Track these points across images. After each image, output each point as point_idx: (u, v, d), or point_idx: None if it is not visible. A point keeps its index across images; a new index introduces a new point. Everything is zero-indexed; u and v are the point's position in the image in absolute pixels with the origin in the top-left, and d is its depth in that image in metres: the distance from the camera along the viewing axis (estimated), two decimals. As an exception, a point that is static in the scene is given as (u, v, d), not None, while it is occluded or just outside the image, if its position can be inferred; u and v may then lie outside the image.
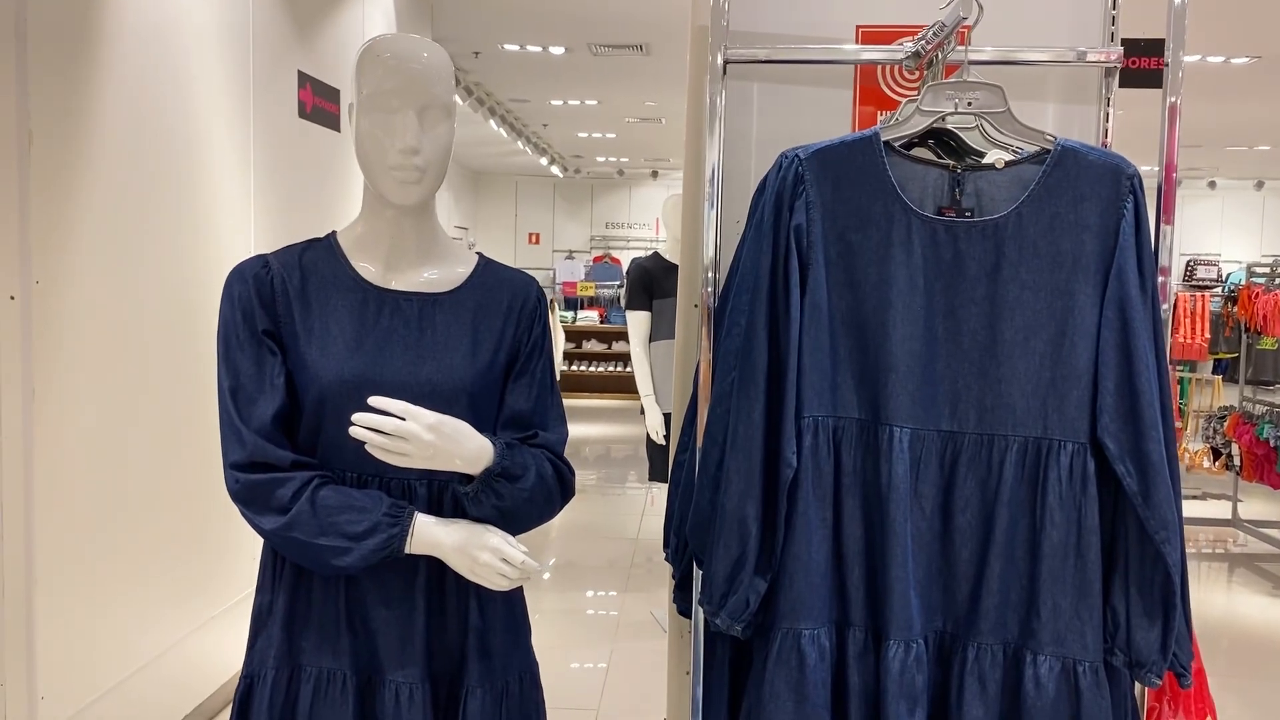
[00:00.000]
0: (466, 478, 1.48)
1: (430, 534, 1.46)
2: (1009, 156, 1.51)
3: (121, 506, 3.02)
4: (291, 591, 1.50)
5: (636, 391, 4.59)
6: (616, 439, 10.14)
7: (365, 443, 1.40)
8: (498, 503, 1.48)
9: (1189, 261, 12.54)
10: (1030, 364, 1.47)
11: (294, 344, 1.49)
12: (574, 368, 12.44)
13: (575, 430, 9.24)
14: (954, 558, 1.50)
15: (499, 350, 1.57)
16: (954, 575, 1.51)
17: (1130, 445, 1.42)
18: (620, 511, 7.27)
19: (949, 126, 1.58)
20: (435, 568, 1.52)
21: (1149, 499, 1.41)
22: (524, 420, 1.58)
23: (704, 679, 1.65)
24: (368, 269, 1.54)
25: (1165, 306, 1.56)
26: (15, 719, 2.64)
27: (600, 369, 12.55)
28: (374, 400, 1.41)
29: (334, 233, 1.58)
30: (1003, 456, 1.48)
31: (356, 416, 1.40)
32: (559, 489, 1.59)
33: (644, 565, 5.78)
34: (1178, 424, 7.10)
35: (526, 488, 1.51)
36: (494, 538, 1.48)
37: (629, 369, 4.53)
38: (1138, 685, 1.62)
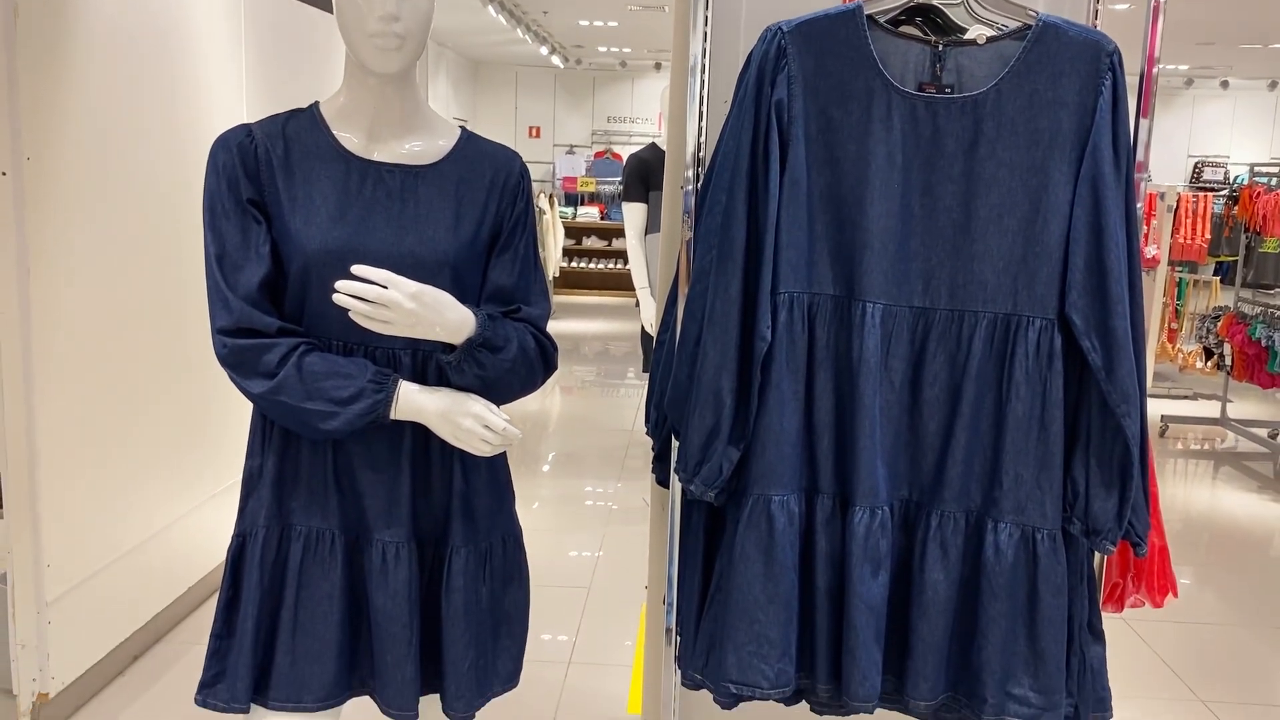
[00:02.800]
0: (449, 347, 1.52)
1: (414, 401, 1.51)
2: (991, 32, 1.51)
3: (121, 384, 3.07)
4: (280, 455, 1.55)
5: (635, 289, 4.61)
6: (615, 335, 10.20)
7: (349, 310, 1.43)
8: (480, 372, 1.52)
9: (1196, 163, 12.39)
10: (1003, 241, 1.49)
11: (278, 213, 1.51)
12: (573, 264, 12.42)
13: (574, 326, 9.41)
14: (921, 430, 1.55)
15: (482, 224, 1.59)
16: (920, 446, 1.56)
17: (1096, 321, 1.45)
18: (617, 405, 7.36)
19: (934, 2, 1.57)
20: (420, 434, 1.57)
21: (1112, 373, 1.44)
22: (507, 295, 1.61)
23: (680, 544, 1.71)
24: (350, 139, 1.55)
25: (1139, 205, 1.57)
26: (23, 586, 2.74)
27: (600, 266, 12.53)
28: (357, 268, 1.43)
29: (316, 103, 1.59)
30: (972, 332, 1.51)
31: (340, 284, 1.42)
32: (541, 362, 1.62)
33: (639, 456, 5.89)
34: (1173, 325, 7.13)
35: (508, 359, 1.55)
36: (476, 405, 1.53)
37: (629, 266, 4.53)
38: (1098, 557, 1.68)
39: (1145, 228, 7.12)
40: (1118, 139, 1.46)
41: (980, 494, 1.53)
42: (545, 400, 7.47)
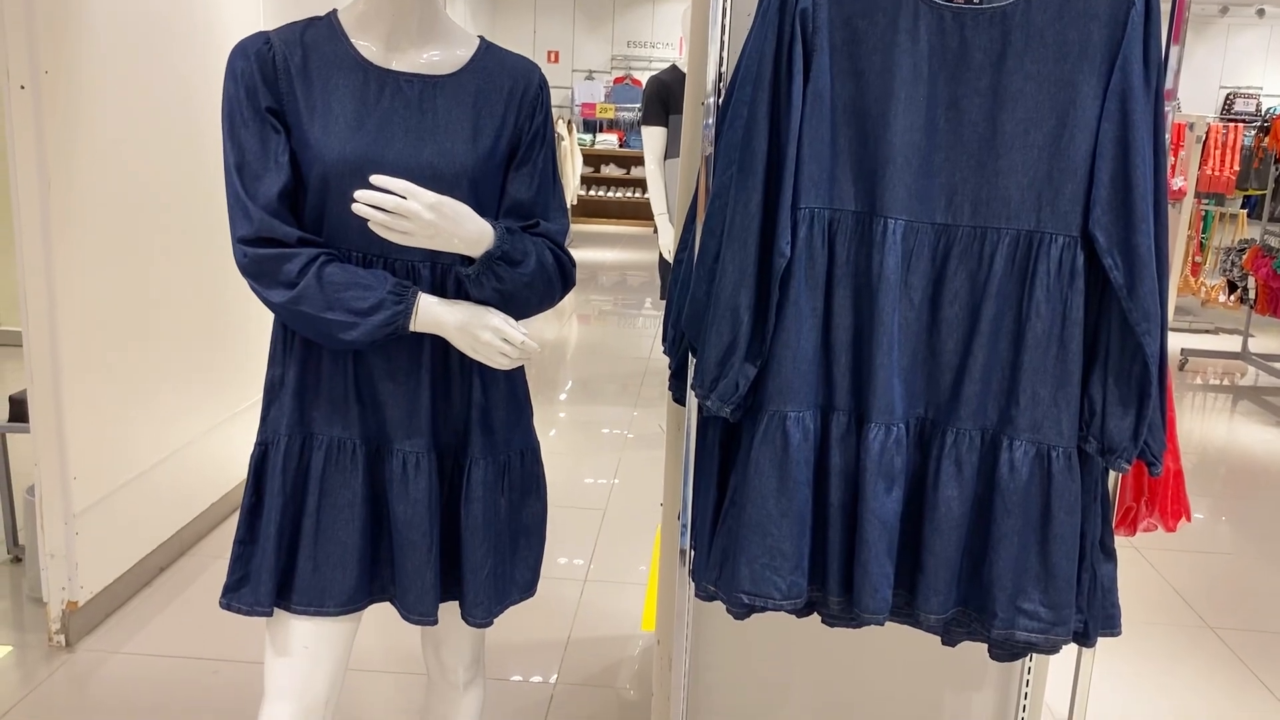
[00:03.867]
0: (468, 260, 1.52)
1: (433, 313, 1.51)
2: (1022, -60, 1.47)
3: (144, 301, 3.10)
4: (301, 364, 1.57)
5: (653, 216, 4.57)
6: (633, 265, 10.16)
7: (368, 221, 1.43)
8: (498, 285, 1.53)
9: (1228, 95, 12.11)
10: (1028, 157, 1.47)
11: (297, 122, 1.50)
12: (591, 193, 12.34)
13: (592, 255, 9.38)
14: (939, 348, 1.55)
15: (500, 137, 1.58)
16: (938, 364, 1.55)
17: (1120, 238, 1.43)
18: (634, 333, 7.36)
19: (965, -91, 1.53)
20: (440, 346, 1.58)
21: (1134, 291, 1.43)
22: (525, 209, 1.61)
23: (695, 461, 1.73)
24: (368, 48, 1.53)
25: (1166, 136, 1.53)
26: (50, 498, 2.79)
27: (618, 194, 12.44)
28: (376, 178, 1.43)
29: (334, 11, 1.57)
30: (994, 250, 1.50)
31: (359, 194, 1.42)
32: (559, 277, 1.62)
33: (655, 384, 5.91)
34: (1197, 258, 7.05)
35: (526, 273, 1.55)
36: (495, 318, 1.53)
37: (647, 194, 4.48)
38: (1112, 479, 1.69)
39: (1172, 159, 7.00)
40: (1148, 53, 1.43)
41: (996, 412, 1.53)
42: (562, 328, 7.49)
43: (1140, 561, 3.79)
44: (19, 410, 3.20)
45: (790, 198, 1.51)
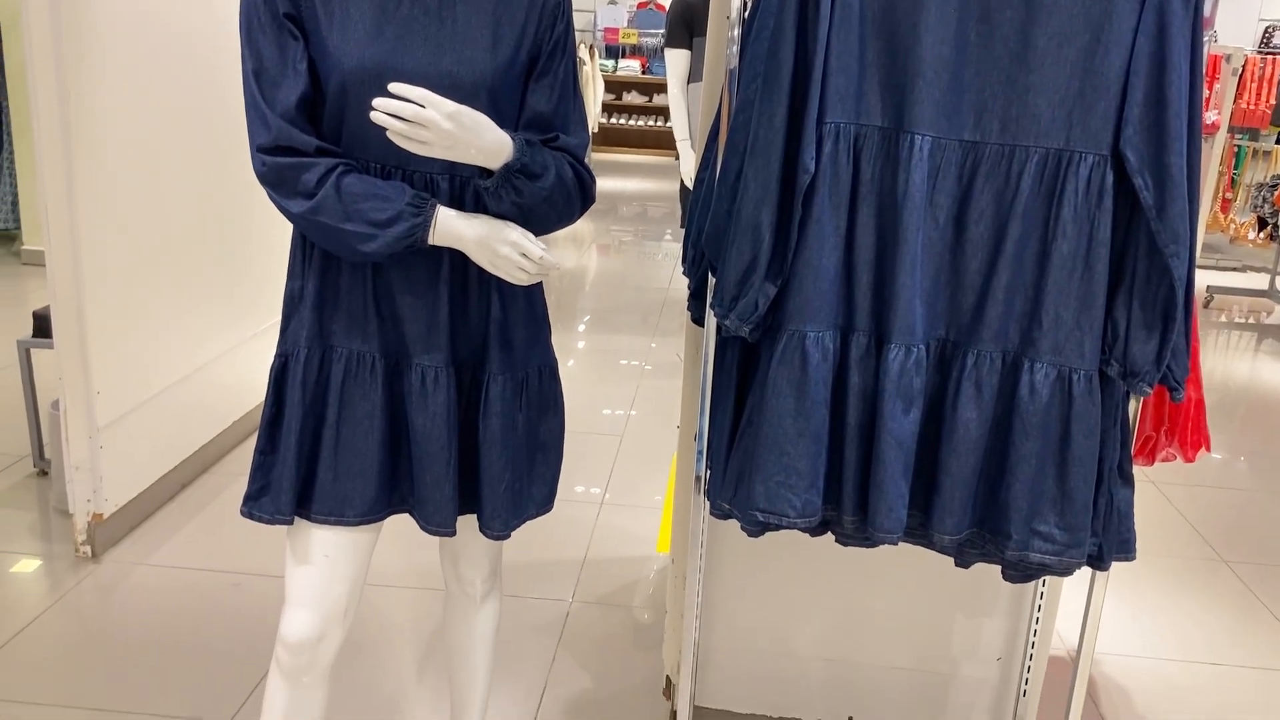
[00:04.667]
0: (486, 173, 1.51)
1: (452, 226, 1.50)
2: None
3: (164, 219, 3.10)
4: (321, 277, 1.57)
5: (675, 143, 4.49)
6: (654, 195, 10.08)
7: (386, 130, 1.42)
8: (517, 199, 1.51)
9: (1267, 28, 11.77)
10: (1060, 73, 1.44)
11: (315, 29, 1.48)
12: (613, 121, 12.19)
13: (612, 185, 9.28)
14: (963, 268, 1.53)
15: (520, 47, 1.55)
16: (961, 285, 1.54)
17: (1151, 157, 1.40)
18: (654, 264, 7.33)
19: None
20: (458, 261, 1.57)
21: (1163, 212, 1.41)
22: (545, 122, 1.58)
23: (713, 382, 1.73)
24: (388, -46, 1.50)
25: (1204, 57, 1.49)
26: (75, 411, 2.83)
27: (640, 123, 12.29)
28: (394, 87, 1.41)
29: (353, -84, 1.53)
30: (1022, 168, 1.47)
31: (377, 102, 1.40)
32: (579, 192, 1.60)
33: (674, 315, 5.90)
34: (1228, 195, 6.93)
35: (545, 186, 1.53)
36: (513, 233, 1.52)
37: (670, 123, 4.41)
38: (1133, 406, 1.67)
39: (1207, 91, 6.83)
40: (1190, -36, 1.39)
41: (1018, 334, 1.52)
42: (581, 258, 7.46)
43: (1156, 496, 3.79)
44: (43, 326, 3.22)
45: (816, 112, 1.48)
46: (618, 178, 10.86)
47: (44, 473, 3.43)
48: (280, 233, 3.49)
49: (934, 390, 1.57)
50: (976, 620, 2.13)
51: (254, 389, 3.74)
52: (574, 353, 5.13)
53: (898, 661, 2.18)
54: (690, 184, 4.50)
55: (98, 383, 2.83)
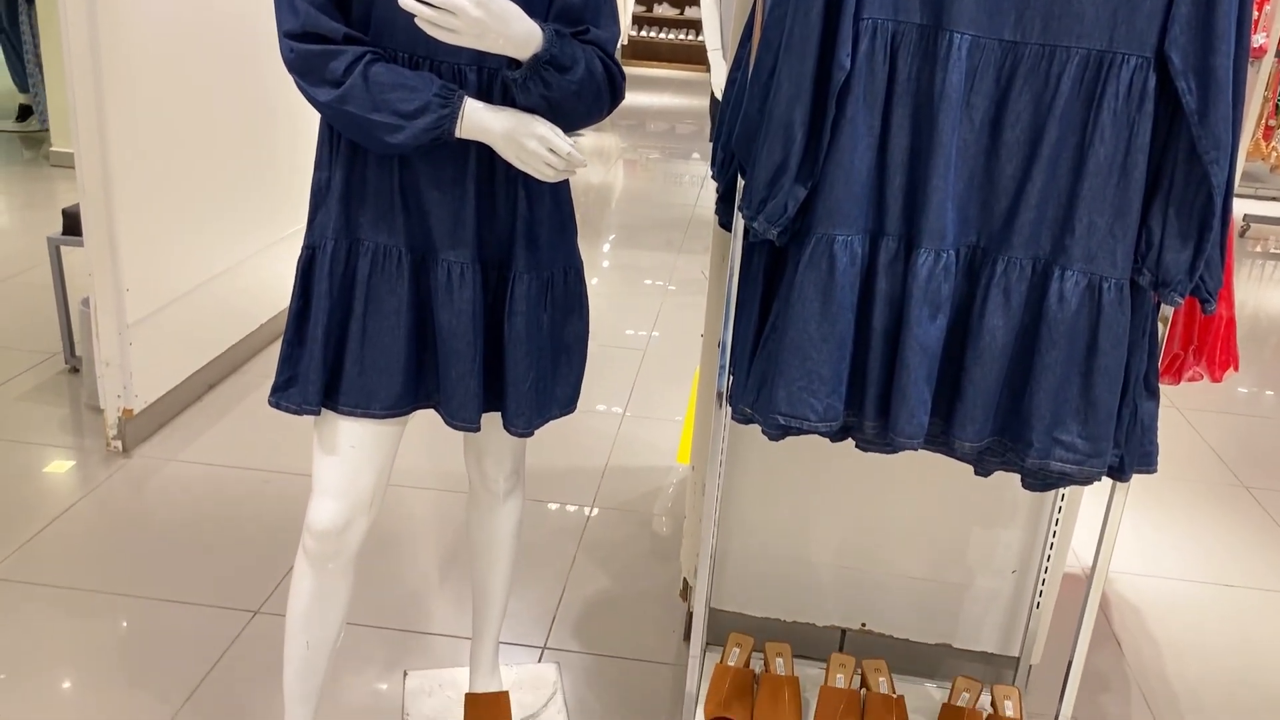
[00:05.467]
0: (515, 64, 1.49)
1: (479, 118, 1.49)
2: None
3: (192, 119, 3.08)
4: (348, 167, 1.56)
5: (707, 61, 4.40)
6: (683, 112, 9.94)
7: (415, 17, 1.40)
8: (545, 92, 1.50)
9: (1324, -51, 11.33)
10: (1107, -31, 1.39)
11: (344, -87, 1.45)
12: (642, 34, 11.96)
13: (641, 100, 9.11)
14: (997, 173, 1.50)
15: (551, -64, 1.52)
16: (994, 190, 1.51)
17: (1196, 60, 1.36)
18: (681, 182, 7.26)
19: None
20: (486, 156, 1.56)
21: (1205, 117, 1.37)
22: (574, 14, 1.56)
23: (739, 287, 1.72)
24: None
25: None
26: (104, 308, 2.86)
27: (671, 36, 12.06)
28: None
29: None
30: (1062, 70, 1.44)
31: None
32: (608, 88, 1.58)
33: (699, 235, 5.86)
34: (1270, 121, 6.75)
35: (575, 80, 1.51)
36: (541, 127, 1.51)
37: (701, 37, 4.31)
38: (1162, 316, 1.65)
39: (1256, 13, 6.61)
40: None
41: (1050, 241, 1.50)
42: (608, 174, 7.40)
43: (1181, 421, 3.77)
44: (72, 224, 3.24)
45: (854, 7, 1.44)
46: (647, 92, 10.70)
47: (75, 370, 3.48)
48: (308, 134, 3.46)
49: (961, 297, 1.56)
50: (993, 532, 2.15)
51: (281, 292, 3.76)
52: (599, 271, 5.12)
53: (912, 571, 2.20)
54: (721, 96, 4.43)
55: (127, 279, 2.85)
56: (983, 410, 1.56)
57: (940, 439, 1.64)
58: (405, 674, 2.20)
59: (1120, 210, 1.45)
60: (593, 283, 4.93)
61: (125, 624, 2.29)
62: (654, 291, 4.82)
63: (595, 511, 2.91)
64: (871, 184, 1.53)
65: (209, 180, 3.23)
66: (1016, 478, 2.02)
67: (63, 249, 3.38)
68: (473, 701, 2.02)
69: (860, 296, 1.56)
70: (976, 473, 1.69)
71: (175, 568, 2.50)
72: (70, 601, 2.35)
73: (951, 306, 1.55)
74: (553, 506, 2.92)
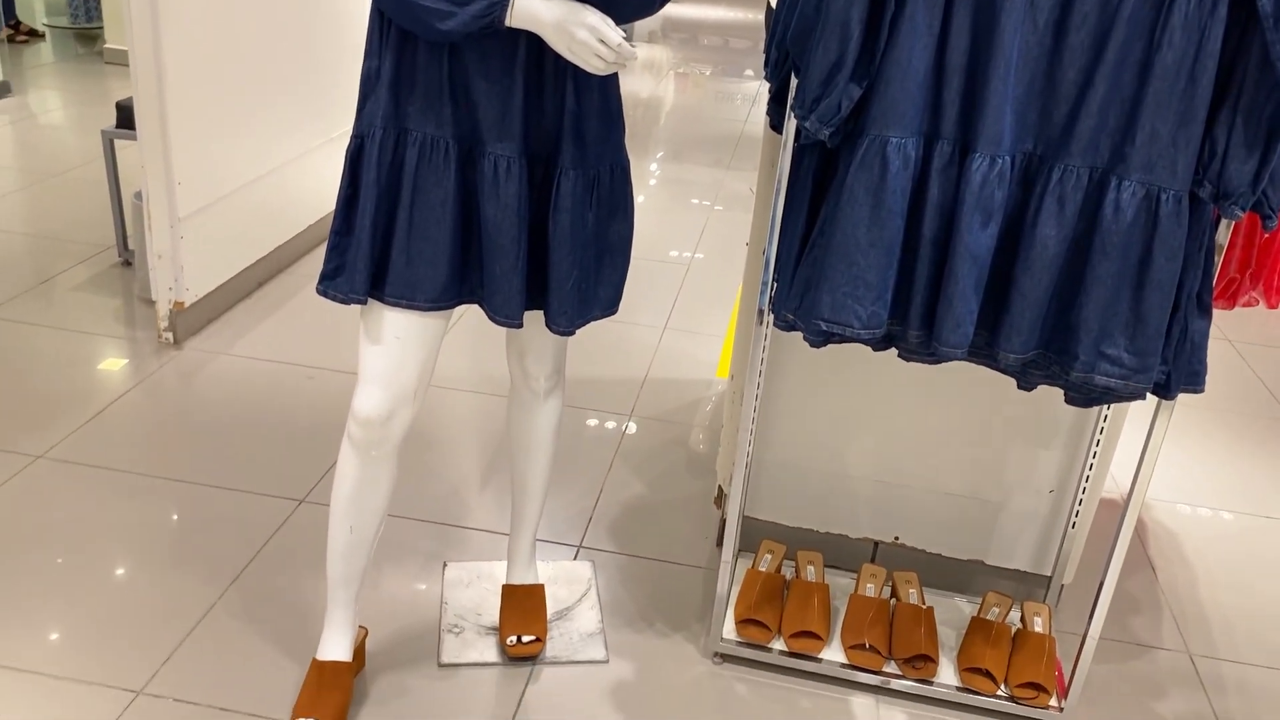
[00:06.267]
0: (567, -48, 1.46)
1: (530, 7, 1.47)
2: None
3: (245, 19, 3.07)
4: (397, 55, 1.55)
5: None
6: (736, 26, 9.73)
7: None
8: (598, -20, 1.47)
9: None
10: None
11: None
12: (699, -55, 11.64)
13: (692, 12, 8.91)
14: (1059, 78, 1.46)
15: None
16: (1054, 96, 1.47)
17: (1276, -40, 1.31)
18: (732, 100, 7.14)
19: None
20: (535, 48, 1.54)
21: (1281, 21, 1.32)
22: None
23: (787, 192, 1.70)
24: None
25: None
26: (157, 201, 2.89)
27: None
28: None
29: None
30: (1133, -31, 1.39)
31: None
32: (660, -21, 1.55)
33: (748, 153, 5.78)
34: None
35: (627, -32, 1.48)
36: (592, 16, 1.48)
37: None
38: (1220, 232, 1.61)
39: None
40: None
41: (1109, 149, 1.46)
42: (658, 88, 7.30)
43: (1229, 352, 3.71)
44: (126, 117, 3.27)
45: (917, -101, 1.40)
46: (700, 4, 10.47)
47: (128, 263, 3.54)
48: (357, 34, 3.45)
49: (1014, 205, 1.53)
50: (1032, 451, 2.14)
51: (329, 194, 3.76)
52: (645, 187, 5.08)
53: (948, 487, 2.20)
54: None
55: (179, 173, 2.88)
56: (1030, 322, 1.54)
57: (985, 350, 1.63)
58: (445, 565, 2.25)
59: (1184, 118, 1.41)
60: (639, 200, 4.90)
61: (174, 508, 2.37)
62: (700, 210, 4.79)
63: (633, 421, 2.94)
64: (928, 85, 1.50)
65: (261, 78, 3.23)
66: (1059, 395, 2.01)
67: (116, 143, 3.41)
68: (509, 593, 2.07)
69: (911, 202, 1.54)
70: (1020, 386, 1.68)
71: (223, 456, 2.56)
72: (122, 484, 2.43)
73: (1003, 215, 1.52)
74: (591, 414, 2.95)
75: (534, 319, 1.77)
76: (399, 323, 1.65)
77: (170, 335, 3.04)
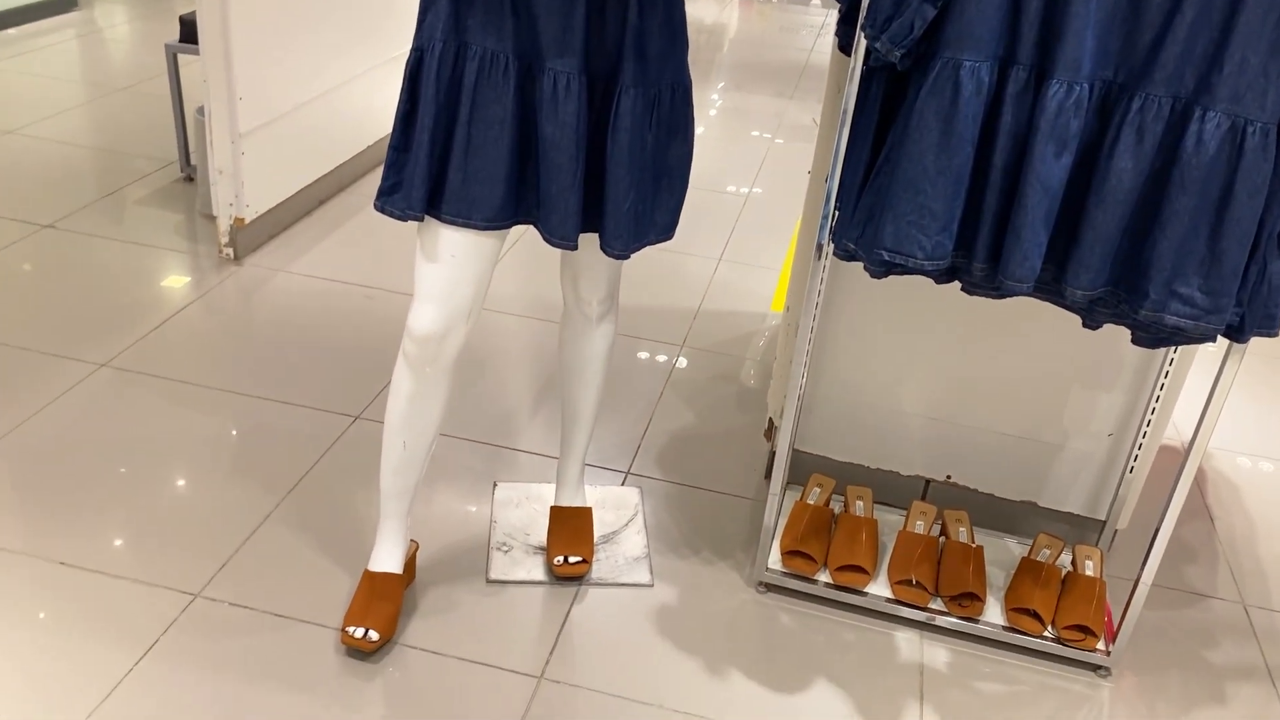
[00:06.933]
0: None
1: (596, -83, 1.43)
2: None
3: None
4: (459, -33, 1.53)
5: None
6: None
7: None
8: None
9: None
10: None
11: None
12: None
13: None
14: (1144, 2, 1.40)
15: None
16: (1140, 21, 1.41)
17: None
18: (798, 31, 6.97)
19: None
20: (599, -40, 1.51)
21: (1392, -57, 1.24)
22: None
23: (853, 117, 1.65)
24: None
25: None
26: (218, 116, 2.91)
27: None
28: None
29: None
30: (1233, -115, 1.31)
31: None
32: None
33: (813, 84, 5.66)
34: None
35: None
36: (659, -72, 1.44)
37: None
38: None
39: None
40: None
41: (1195, 79, 1.40)
42: (722, 14, 7.14)
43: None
44: (189, 32, 3.27)
45: None
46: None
47: (190, 179, 3.58)
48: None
49: (1090, 136, 1.47)
50: (1093, 393, 2.09)
51: (390, 114, 3.77)
52: (705, 118, 5.00)
53: (1004, 427, 2.17)
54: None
55: (241, 89, 2.88)
56: (1100, 258, 1.50)
57: (1051, 286, 1.59)
58: (495, 485, 2.28)
59: (1277, 47, 1.34)
60: (699, 130, 4.82)
61: (233, 420, 2.41)
62: (760, 142, 4.71)
63: (685, 352, 2.92)
64: (1006, 6, 1.44)
65: (317, 6, 3.21)
66: (1124, 335, 1.95)
67: (180, 57, 3.42)
68: (557, 514, 2.09)
69: (982, 129, 1.49)
70: (1085, 324, 1.63)
71: (281, 371, 2.60)
72: (182, 394, 2.48)
73: (1078, 145, 1.47)
74: (643, 343, 2.94)
75: (589, 242, 1.75)
76: (455, 241, 1.64)
77: (231, 251, 3.08)
